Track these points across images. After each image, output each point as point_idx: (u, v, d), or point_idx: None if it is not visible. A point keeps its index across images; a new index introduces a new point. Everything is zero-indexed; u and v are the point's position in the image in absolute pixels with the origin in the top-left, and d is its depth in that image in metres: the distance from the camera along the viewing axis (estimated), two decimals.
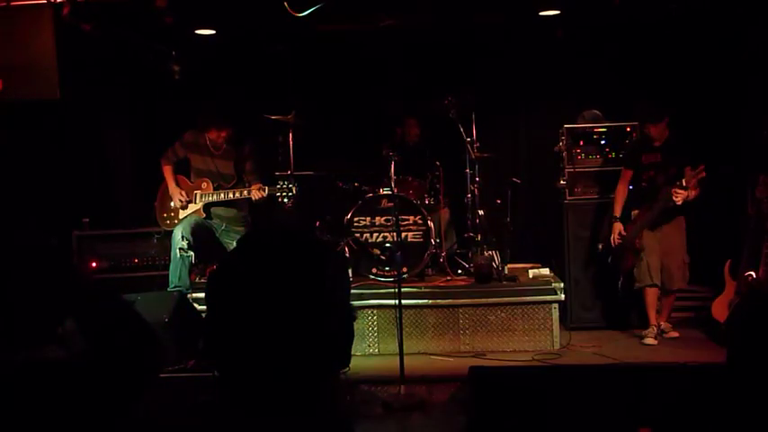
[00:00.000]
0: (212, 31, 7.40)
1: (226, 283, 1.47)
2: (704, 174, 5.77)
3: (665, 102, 6.41)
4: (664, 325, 6.19)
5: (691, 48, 7.11)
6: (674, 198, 5.86)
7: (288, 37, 7.38)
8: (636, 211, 6.23)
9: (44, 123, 6.56)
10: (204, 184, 6.32)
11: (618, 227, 6.21)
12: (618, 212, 6.26)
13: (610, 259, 6.35)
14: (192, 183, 6.40)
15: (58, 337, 5.23)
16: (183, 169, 6.50)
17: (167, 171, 6.42)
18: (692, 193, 5.87)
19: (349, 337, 1.51)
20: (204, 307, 5.80)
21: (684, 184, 5.83)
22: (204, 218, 6.31)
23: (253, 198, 6.17)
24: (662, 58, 7.28)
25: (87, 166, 7.11)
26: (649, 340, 6.00)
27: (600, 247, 6.40)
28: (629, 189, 6.31)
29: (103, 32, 6.21)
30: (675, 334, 6.17)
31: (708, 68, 7.05)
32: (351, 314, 1.51)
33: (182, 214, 6.35)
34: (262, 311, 1.41)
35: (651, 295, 6.09)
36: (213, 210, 6.35)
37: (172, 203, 6.41)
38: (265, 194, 6.11)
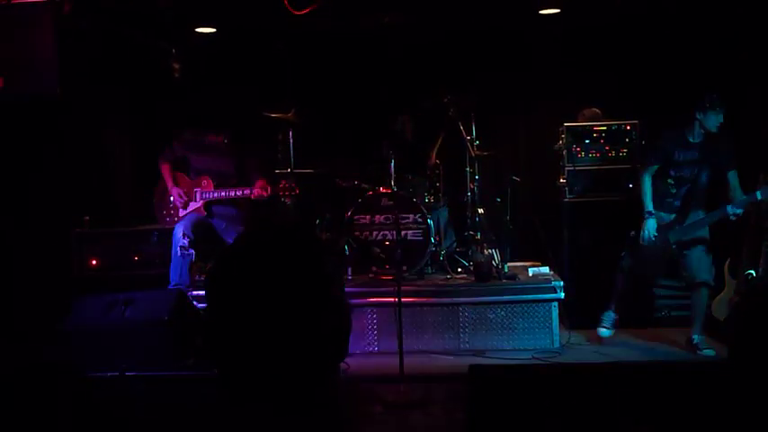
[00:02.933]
0: (212, 30, 7.41)
1: (224, 279, 1.47)
2: None
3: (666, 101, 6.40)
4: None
5: (690, 46, 7.11)
6: None
7: (288, 35, 7.38)
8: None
9: (44, 121, 6.56)
10: (204, 182, 6.31)
11: (653, 224, 5.74)
12: (652, 207, 5.76)
13: (627, 260, 5.94)
14: (192, 180, 6.39)
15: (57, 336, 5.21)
16: (184, 167, 6.49)
17: (165, 170, 6.39)
18: None
19: (347, 330, 1.51)
20: (204, 305, 5.78)
21: None
22: (205, 216, 6.30)
23: (253, 197, 6.14)
24: (661, 57, 7.28)
25: (87, 163, 7.10)
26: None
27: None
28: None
29: (104, 30, 6.21)
30: None
31: (707, 67, 7.05)
32: (347, 308, 1.51)
33: (182, 212, 6.34)
34: (260, 307, 1.41)
35: None
36: (214, 208, 6.34)
37: (172, 198, 6.40)
38: (267, 194, 6.08)
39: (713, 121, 5.54)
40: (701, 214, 5.76)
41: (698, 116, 5.58)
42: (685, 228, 5.75)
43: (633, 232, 5.85)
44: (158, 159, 6.42)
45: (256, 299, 1.42)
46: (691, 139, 5.67)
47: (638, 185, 5.87)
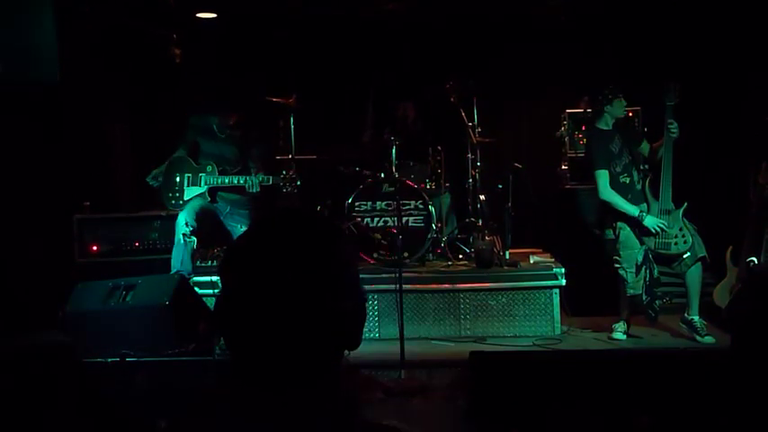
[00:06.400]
0: (213, 15, 7.38)
1: (240, 262, 1.47)
2: None
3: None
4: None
5: (693, 33, 7.08)
6: None
7: (289, 21, 7.35)
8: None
9: (44, 107, 6.55)
10: (209, 168, 6.31)
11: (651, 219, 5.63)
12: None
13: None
14: (197, 165, 6.38)
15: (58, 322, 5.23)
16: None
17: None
18: None
19: (361, 316, 1.51)
20: (205, 291, 5.79)
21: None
22: (209, 201, 6.29)
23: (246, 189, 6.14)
24: (664, 44, 7.25)
25: (88, 149, 7.09)
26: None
27: None
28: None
29: (104, 16, 6.19)
30: None
31: (709, 55, 7.02)
32: (363, 295, 1.51)
33: (186, 195, 6.31)
34: (275, 291, 1.40)
35: None
36: (219, 193, 6.34)
37: (177, 179, 6.34)
38: (257, 191, 6.09)
39: (620, 108, 5.76)
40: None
41: (606, 109, 5.76)
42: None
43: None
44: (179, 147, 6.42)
45: (271, 282, 1.42)
46: (609, 131, 5.78)
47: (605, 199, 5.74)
